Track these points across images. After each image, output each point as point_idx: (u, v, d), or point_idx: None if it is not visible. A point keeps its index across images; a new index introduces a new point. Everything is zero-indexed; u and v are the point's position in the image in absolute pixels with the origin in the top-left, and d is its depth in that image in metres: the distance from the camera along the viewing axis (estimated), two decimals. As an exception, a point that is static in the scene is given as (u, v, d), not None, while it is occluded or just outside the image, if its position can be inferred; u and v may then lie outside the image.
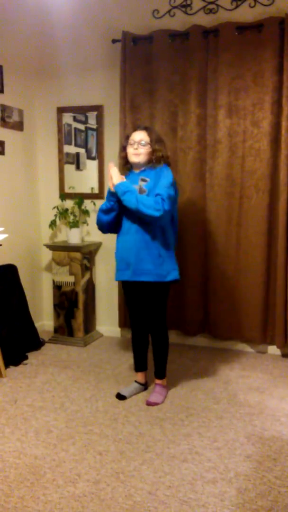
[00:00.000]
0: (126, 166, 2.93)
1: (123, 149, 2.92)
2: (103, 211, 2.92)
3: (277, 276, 3.62)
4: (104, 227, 2.99)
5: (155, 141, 2.83)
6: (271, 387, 3.21)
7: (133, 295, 2.99)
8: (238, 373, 3.45)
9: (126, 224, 2.88)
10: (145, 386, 3.15)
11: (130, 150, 2.84)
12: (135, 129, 2.90)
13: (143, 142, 2.80)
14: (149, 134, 2.83)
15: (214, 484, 2.15)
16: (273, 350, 3.84)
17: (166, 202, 2.69)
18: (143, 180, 2.82)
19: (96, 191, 4.16)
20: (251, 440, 2.53)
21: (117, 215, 2.91)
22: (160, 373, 3.06)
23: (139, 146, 2.80)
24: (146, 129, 2.87)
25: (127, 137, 2.91)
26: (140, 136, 2.81)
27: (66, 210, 4.12)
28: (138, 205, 2.69)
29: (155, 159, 2.82)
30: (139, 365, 3.14)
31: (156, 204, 2.68)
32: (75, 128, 4.21)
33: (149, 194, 2.76)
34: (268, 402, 2.97)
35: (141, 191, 2.78)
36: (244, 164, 3.63)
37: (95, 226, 4.12)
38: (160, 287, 2.88)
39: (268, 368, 3.55)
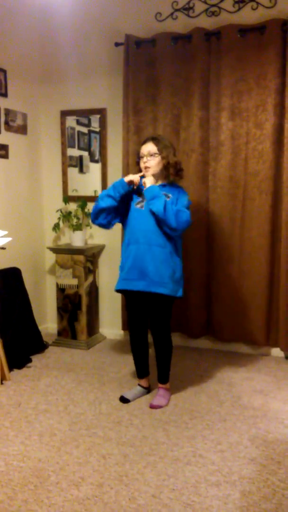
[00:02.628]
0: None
1: (137, 164, 2.95)
2: (106, 196, 2.88)
3: (281, 277, 3.62)
4: (99, 214, 2.92)
5: (162, 148, 2.83)
6: (275, 389, 3.20)
7: (137, 305, 2.96)
8: (242, 375, 3.44)
9: (146, 234, 2.83)
10: (148, 389, 3.15)
11: (141, 165, 2.88)
12: (143, 142, 2.92)
13: (151, 153, 2.83)
14: (156, 144, 2.84)
15: (218, 487, 2.15)
16: (277, 352, 3.83)
17: (187, 215, 2.77)
18: (166, 195, 2.82)
19: (99, 193, 4.15)
20: (255, 443, 2.52)
21: (114, 208, 2.87)
22: (163, 379, 3.05)
23: (148, 159, 2.83)
24: (152, 139, 2.88)
25: (138, 153, 2.93)
26: (147, 148, 2.84)
27: (70, 213, 4.13)
28: (166, 213, 2.71)
29: (165, 170, 2.85)
30: (141, 371, 3.13)
31: (185, 216, 2.75)
32: (78, 131, 4.22)
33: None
34: (272, 405, 2.96)
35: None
36: (247, 166, 3.63)
37: (98, 229, 4.17)
38: (169, 300, 2.90)
39: (272, 370, 3.54)
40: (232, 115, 3.60)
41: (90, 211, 4.07)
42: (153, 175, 2.85)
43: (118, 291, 2.99)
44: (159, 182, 2.89)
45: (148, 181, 2.83)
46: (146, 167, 2.84)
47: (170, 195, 2.83)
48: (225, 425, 2.71)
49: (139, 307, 2.97)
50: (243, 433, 2.62)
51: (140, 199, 2.88)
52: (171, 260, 2.84)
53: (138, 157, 2.92)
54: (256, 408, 2.92)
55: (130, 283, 2.88)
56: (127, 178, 2.84)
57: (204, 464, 2.33)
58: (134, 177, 2.85)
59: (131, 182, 2.83)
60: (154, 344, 3.01)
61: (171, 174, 2.87)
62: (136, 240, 2.86)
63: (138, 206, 2.88)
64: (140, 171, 2.91)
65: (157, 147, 2.82)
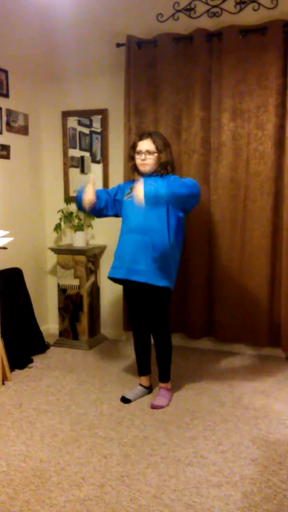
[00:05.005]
0: (136, 174, 2.97)
1: (131, 158, 2.96)
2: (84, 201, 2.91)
3: (282, 278, 3.62)
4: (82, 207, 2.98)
5: (161, 147, 2.85)
6: (276, 390, 3.20)
7: (132, 295, 3.01)
8: (243, 376, 3.44)
9: (131, 224, 2.89)
10: (149, 389, 3.15)
11: (138, 161, 2.88)
12: (140, 137, 2.93)
13: (150, 151, 2.84)
14: (154, 142, 2.85)
15: (219, 487, 2.15)
16: (278, 353, 3.82)
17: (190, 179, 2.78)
18: (150, 184, 2.82)
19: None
20: (256, 444, 2.52)
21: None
22: (164, 377, 3.06)
23: (147, 156, 2.85)
24: (150, 136, 2.88)
25: (133, 146, 2.94)
26: (146, 146, 2.85)
27: (71, 213, 4.14)
28: (175, 190, 2.64)
29: (161, 166, 2.87)
30: (143, 369, 3.14)
31: (191, 182, 2.73)
32: (80, 132, 4.23)
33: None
34: (274, 406, 2.96)
35: None
36: (248, 167, 3.63)
37: (100, 230, 4.19)
38: (156, 291, 2.87)
39: (273, 371, 3.54)
40: (234, 116, 3.60)
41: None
42: (149, 172, 2.86)
43: (110, 278, 3.04)
44: (153, 173, 2.89)
45: (139, 189, 2.65)
46: (143, 164, 2.86)
47: (154, 183, 2.79)
48: (226, 426, 2.71)
49: (133, 300, 3.00)
50: (244, 434, 2.62)
51: (129, 191, 2.92)
52: (151, 249, 2.80)
53: (133, 151, 2.92)
54: (257, 409, 2.92)
55: (114, 271, 2.96)
56: (85, 198, 2.86)
57: (205, 464, 2.33)
58: (88, 197, 2.85)
59: (87, 201, 2.86)
60: (153, 340, 3.03)
61: (164, 170, 2.89)
62: (124, 230, 2.94)
63: (126, 197, 2.94)
64: (134, 165, 2.93)
65: (155, 145, 2.84)
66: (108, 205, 3.02)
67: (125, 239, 2.94)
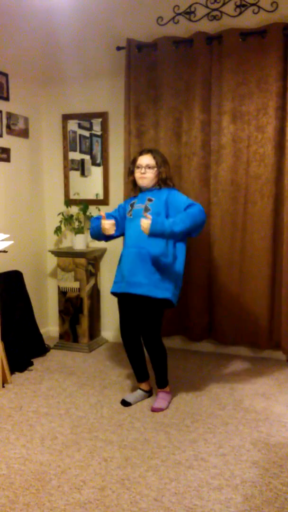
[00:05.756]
0: (135, 189, 3.04)
1: (131, 173, 3.03)
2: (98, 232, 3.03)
3: (282, 281, 3.61)
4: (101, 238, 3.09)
5: (160, 163, 2.94)
6: (277, 393, 3.19)
7: (127, 308, 2.99)
8: (244, 378, 3.43)
9: (130, 238, 2.94)
10: (149, 392, 3.14)
11: (137, 175, 2.95)
12: (140, 153, 3.01)
13: (150, 165, 2.92)
14: (154, 157, 2.94)
15: (220, 490, 2.14)
16: (279, 355, 3.82)
17: (197, 205, 2.85)
18: (149, 199, 2.93)
19: (101, 197, 4.18)
20: (257, 446, 2.51)
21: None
22: (161, 383, 3.05)
23: (146, 170, 2.92)
24: (151, 152, 2.98)
25: (133, 161, 3.02)
26: (146, 160, 2.93)
27: (71, 216, 4.14)
28: (190, 224, 2.75)
29: (161, 181, 2.95)
30: (140, 376, 3.12)
31: (199, 212, 2.80)
32: (80, 135, 4.23)
33: (155, 213, 2.84)
34: (274, 408, 2.96)
35: (146, 209, 2.89)
36: (248, 169, 3.64)
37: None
38: (153, 303, 2.86)
39: (274, 373, 3.53)
40: (234, 118, 3.60)
41: (92, 214, 4.12)
42: (147, 186, 2.94)
43: (112, 293, 3.08)
44: (150, 189, 2.97)
45: (146, 224, 2.71)
46: (141, 178, 2.93)
47: (153, 198, 2.91)
48: (227, 429, 2.70)
49: (125, 307, 3.00)
50: (245, 437, 2.61)
51: (130, 208, 2.99)
52: (150, 260, 2.83)
53: (133, 166, 3.00)
54: (258, 412, 2.91)
55: (115, 285, 3.01)
56: (104, 228, 2.92)
57: (206, 467, 2.32)
58: (108, 228, 2.92)
59: (105, 231, 2.94)
60: (146, 349, 3.02)
61: (162, 184, 2.97)
62: (129, 245, 2.97)
63: (128, 215, 3.00)
64: (134, 179, 3.01)
65: (155, 160, 2.93)
66: (117, 228, 3.06)
67: (124, 254, 2.99)
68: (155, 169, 2.93)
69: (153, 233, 2.70)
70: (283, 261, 3.60)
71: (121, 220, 3.05)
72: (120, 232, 3.09)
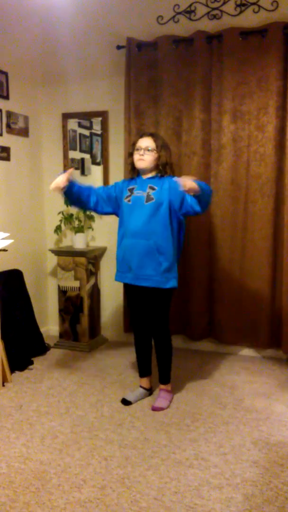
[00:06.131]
0: (133, 172, 2.96)
1: (130, 155, 2.95)
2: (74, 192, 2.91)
3: (283, 280, 3.61)
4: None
5: (161, 147, 2.85)
6: (277, 392, 3.19)
7: (135, 298, 3.01)
8: (244, 378, 3.43)
9: (133, 228, 2.87)
10: (150, 391, 3.14)
11: (135, 156, 2.87)
12: (141, 135, 2.94)
13: (149, 148, 2.83)
14: (155, 140, 2.85)
15: (220, 490, 2.14)
16: (280, 355, 3.82)
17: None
18: (151, 188, 2.85)
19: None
20: (258, 446, 2.51)
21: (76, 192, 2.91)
22: (165, 379, 3.05)
23: (145, 152, 2.83)
24: (152, 135, 2.91)
25: (133, 144, 2.94)
26: (146, 142, 2.85)
27: (71, 215, 4.14)
28: (206, 187, 2.73)
29: (161, 165, 2.86)
30: (144, 370, 3.14)
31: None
32: (80, 134, 4.23)
33: (159, 203, 2.79)
34: (275, 408, 2.95)
35: (148, 198, 2.82)
36: (249, 169, 3.63)
37: (100, 231, 4.19)
38: (161, 293, 2.89)
39: (275, 373, 3.53)
40: (234, 117, 3.60)
41: (92, 213, 4.11)
42: (145, 168, 2.85)
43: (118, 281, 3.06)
44: (152, 174, 2.89)
45: (190, 183, 2.58)
46: (139, 159, 2.84)
47: (155, 187, 2.83)
48: (227, 428, 2.70)
49: (136, 301, 3.00)
50: (245, 436, 2.61)
51: (128, 193, 2.90)
52: (156, 253, 2.81)
53: (133, 148, 2.91)
54: (258, 411, 2.91)
55: (121, 275, 2.98)
56: (52, 186, 2.79)
57: (206, 467, 2.32)
58: (58, 182, 2.76)
59: (57, 189, 2.79)
60: (154, 341, 3.02)
61: (163, 172, 2.87)
62: (125, 234, 2.92)
63: (126, 200, 2.92)
64: (133, 163, 2.91)
65: (155, 143, 2.84)
66: (99, 200, 2.96)
67: (128, 244, 2.91)
68: (155, 152, 2.82)
69: (201, 189, 2.59)
70: (283, 260, 3.59)
71: (118, 199, 2.96)
72: (112, 210, 3.00)
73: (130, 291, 3.01)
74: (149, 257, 2.82)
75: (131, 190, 2.90)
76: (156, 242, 2.81)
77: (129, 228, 2.90)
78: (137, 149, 2.86)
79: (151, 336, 3.07)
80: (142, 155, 2.83)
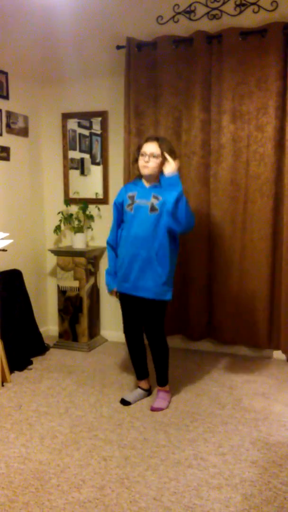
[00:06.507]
0: (137, 176, 2.95)
1: (136, 161, 2.89)
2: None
3: (282, 280, 3.62)
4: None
5: (167, 153, 2.78)
6: (276, 392, 3.19)
7: (131, 307, 2.99)
8: (243, 378, 3.43)
9: (133, 235, 2.84)
10: (149, 391, 3.14)
11: (140, 162, 2.81)
12: (146, 140, 2.87)
13: (154, 154, 2.77)
14: (160, 146, 2.78)
15: (219, 490, 2.14)
16: (279, 355, 3.82)
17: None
18: (155, 197, 2.80)
19: (100, 196, 4.17)
20: (257, 446, 2.51)
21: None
22: (162, 381, 3.05)
23: (150, 159, 2.77)
24: (157, 140, 2.82)
25: (138, 148, 2.88)
26: (151, 148, 2.78)
27: (71, 215, 4.14)
28: (187, 208, 2.72)
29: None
30: (140, 373, 3.13)
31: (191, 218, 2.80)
32: (80, 134, 4.23)
33: (161, 215, 2.78)
34: (274, 408, 2.96)
35: (153, 209, 2.79)
36: (248, 169, 3.63)
37: (100, 231, 4.19)
38: (159, 304, 2.89)
39: (274, 373, 3.53)
40: (233, 117, 3.60)
41: (91, 213, 4.12)
42: (150, 175, 2.82)
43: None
44: (153, 183, 2.85)
45: (169, 168, 2.72)
46: (144, 166, 2.79)
47: (160, 197, 2.78)
48: (226, 428, 2.70)
49: (130, 308, 2.99)
50: (244, 436, 2.61)
51: (130, 201, 2.87)
52: (157, 264, 2.81)
53: (138, 153, 2.86)
54: (257, 411, 2.91)
55: (119, 284, 2.97)
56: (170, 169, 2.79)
57: (205, 467, 2.32)
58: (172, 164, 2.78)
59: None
60: (149, 346, 3.02)
61: None
62: (126, 243, 2.90)
63: (128, 209, 2.89)
64: (138, 168, 2.88)
65: (160, 149, 2.77)
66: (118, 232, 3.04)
67: (128, 252, 2.87)
68: (160, 158, 2.76)
69: (175, 178, 2.68)
70: (282, 260, 3.60)
71: (122, 215, 2.98)
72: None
73: (126, 300, 2.99)
74: (149, 268, 2.82)
75: (132, 198, 2.86)
76: (158, 254, 2.81)
77: (129, 237, 2.86)
78: (142, 155, 2.80)
79: (142, 339, 3.06)
80: (147, 161, 2.77)
